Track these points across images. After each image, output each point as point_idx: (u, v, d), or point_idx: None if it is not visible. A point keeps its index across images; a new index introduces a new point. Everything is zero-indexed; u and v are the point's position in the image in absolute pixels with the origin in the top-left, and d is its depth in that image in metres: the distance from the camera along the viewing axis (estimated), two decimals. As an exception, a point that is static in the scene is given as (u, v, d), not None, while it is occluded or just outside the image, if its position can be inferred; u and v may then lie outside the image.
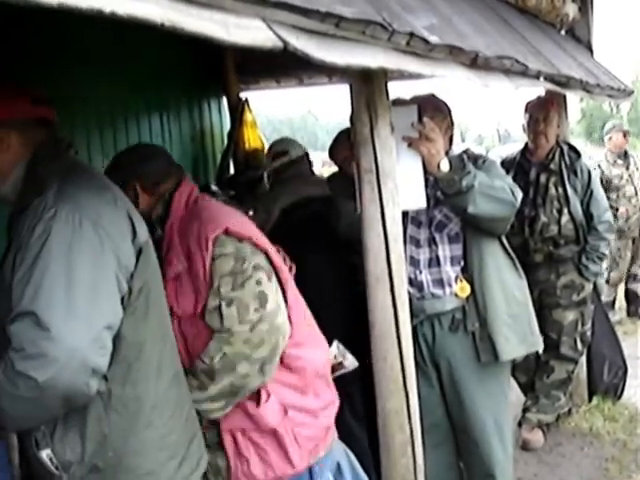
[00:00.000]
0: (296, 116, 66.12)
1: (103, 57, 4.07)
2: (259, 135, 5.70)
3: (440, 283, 2.97)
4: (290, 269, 2.37)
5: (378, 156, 2.27)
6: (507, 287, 2.98)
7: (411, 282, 2.91)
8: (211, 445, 2.10)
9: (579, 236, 4.22)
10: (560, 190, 4.22)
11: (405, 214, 2.57)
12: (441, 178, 2.72)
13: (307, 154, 3.84)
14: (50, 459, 1.66)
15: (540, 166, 4.30)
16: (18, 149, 1.75)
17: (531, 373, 4.43)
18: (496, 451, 3.04)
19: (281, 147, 3.81)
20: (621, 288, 7.15)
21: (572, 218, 4.19)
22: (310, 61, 1.47)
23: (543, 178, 4.26)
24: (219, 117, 5.84)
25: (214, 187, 4.86)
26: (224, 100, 5.82)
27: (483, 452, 3.04)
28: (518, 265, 3.09)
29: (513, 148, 5.06)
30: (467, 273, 2.95)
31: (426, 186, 2.65)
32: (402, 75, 4.35)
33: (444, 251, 2.97)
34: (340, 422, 2.41)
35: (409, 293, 2.52)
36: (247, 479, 2.13)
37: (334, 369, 2.51)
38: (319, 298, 2.56)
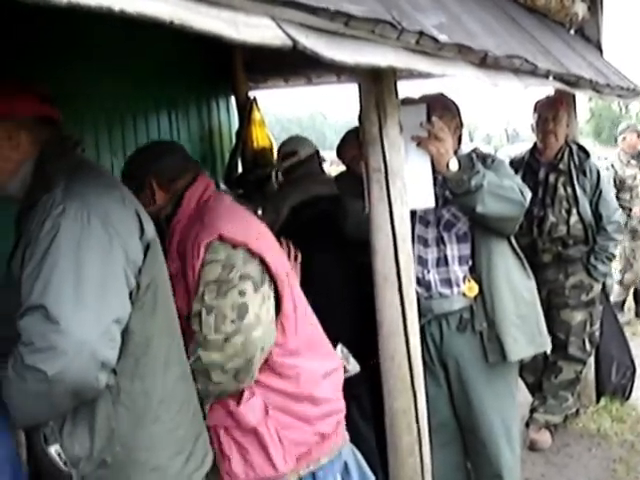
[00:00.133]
0: (304, 115, 66.18)
1: (111, 54, 4.07)
2: (267, 134, 5.70)
3: (448, 283, 2.97)
4: (295, 258, 2.34)
5: (387, 155, 2.27)
6: (515, 287, 2.97)
7: (419, 282, 2.91)
8: None
9: (588, 236, 4.21)
10: (569, 190, 4.20)
11: (412, 213, 2.57)
12: (450, 177, 2.71)
13: (317, 152, 3.83)
14: (59, 455, 1.66)
15: (549, 166, 4.28)
16: (27, 147, 1.77)
17: (539, 373, 4.42)
18: (504, 451, 3.03)
19: (290, 147, 3.81)
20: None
21: (581, 218, 4.18)
22: (319, 60, 1.47)
23: (552, 178, 4.25)
24: (227, 116, 5.84)
25: (223, 186, 4.86)
26: (232, 99, 5.82)
27: (490, 452, 3.03)
28: (526, 265, 3.08)
29: (522, 148, 5.05)
30: (475, 273, 2.95)
31: (435, 185, 2.65)
32: (411, 74, 4.34)
33: (452, 251, 2.97)
34: (348, 421, 2.41)
35: (417, 293, 2.52)
36: (229, 477, 2.12)
37: None
38: (327, 297, 2.56)
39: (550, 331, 3.37)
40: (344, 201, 3.19)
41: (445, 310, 2.98)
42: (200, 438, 1.91)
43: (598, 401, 4.81)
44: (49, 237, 1.58)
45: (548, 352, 4.17)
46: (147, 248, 1.77)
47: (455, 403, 3.09)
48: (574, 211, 4.18)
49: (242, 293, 2.01)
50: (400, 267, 2.31)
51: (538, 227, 4.22)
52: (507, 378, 3.06)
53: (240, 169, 5.58)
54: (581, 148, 4.37)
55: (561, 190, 4.21)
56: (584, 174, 4.23)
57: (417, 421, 2.39)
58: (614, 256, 4.40)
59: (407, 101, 2.77)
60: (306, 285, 2.34)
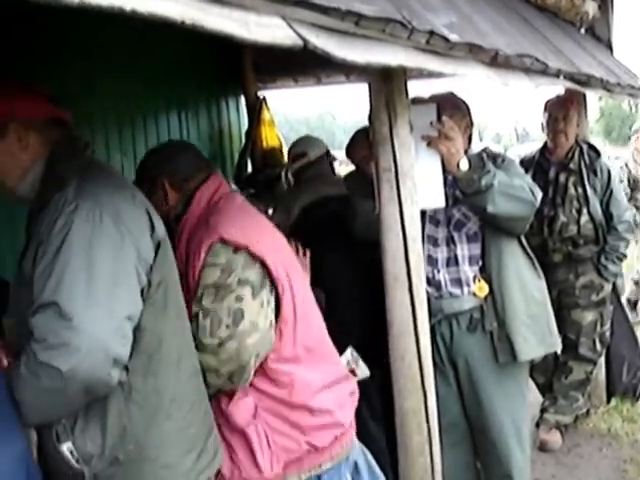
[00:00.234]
0: (313, 115, 66.16)
1: (122, 54, 4.09)
2: (277, 134, 5.71)
3: (458, 282, 2.96)
4: (304, 254, 2.32)
5: (397, 155, 2.26)
6: (526, 287, 2.96)
7: (429, 281, 2.90)
8: None
9: (598, 236, 4.20)
10: (579, 190, 4.19)
11: (422, 213, 2.57)
12: (460, 177, 2.71)
13: (328, 152, 3.83)
14: (71, 452, 1.66)
15: (559, 165, 4.27)
16: (37, 148, 1.78)
17: (549, 374, 4.41)
18: (514, 452, 3.02)
19: (300, 149, 3.81)
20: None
21: (591, 218, 4.17)
22: (330, 60, 1.47)
23: (562, 177, 4.23)
24: (237, 116, 5.85)
25: (233, 186, 4.87)
26: (242, 99, 5.83)
27: (501, 453, 3.03)
28: (537, 265, 3.07)
29: (531, 147, 5.03)
30: (485, 273, 2.94)
31: (445, 185, 2.65)
32: (421, 74, 4.35)
33: (462, 250, 2.96)
34: (358, 421, 2.41)
35: (427, 292, 2.52)
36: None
37: None
38: (337, 297, 2.56)
39: (560, 331, 3.37)
40: (353, 201, 3.19)
41: (455, 310, 2.98)
42: (211, 435, 1.91)
43: (609, 401, 4.79)
44: (61, 235, 1.59)
45: (559, 352, 4.15)
46: (158, 246, 1.78)
47: (465, 403, 3.09)
48: (585, 211, 4.17)
49: (239, 298, 1.99)
50: (410, 267, 2.31)
51: (548, 227, 4.21)
52: (517, 378, 3.05)
53: (250, 169, 5.59)
54: (592, 147, 4.36)
55: (572, 190, 4.20)
56: (595, 173, 4.21)
57: (427, 421, 2.39)
58: (625, 256, 4.38)
59: (417, 100, 2.77)
60: (317, 285, 2.33)
